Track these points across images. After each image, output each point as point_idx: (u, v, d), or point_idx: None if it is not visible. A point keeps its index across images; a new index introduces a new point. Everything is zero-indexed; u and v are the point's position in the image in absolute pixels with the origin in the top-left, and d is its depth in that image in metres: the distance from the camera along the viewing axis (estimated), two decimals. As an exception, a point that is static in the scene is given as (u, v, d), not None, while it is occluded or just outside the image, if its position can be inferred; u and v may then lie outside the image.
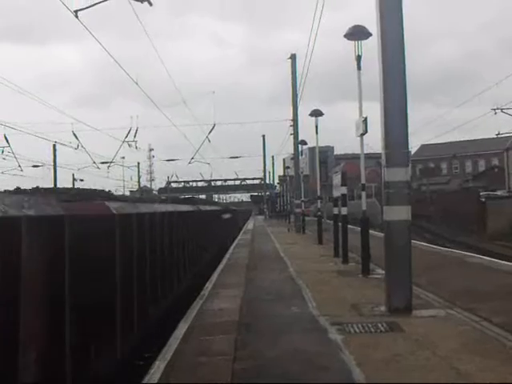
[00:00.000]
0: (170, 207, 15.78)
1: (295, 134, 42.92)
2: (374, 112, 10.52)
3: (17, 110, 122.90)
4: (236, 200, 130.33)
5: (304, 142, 40.20)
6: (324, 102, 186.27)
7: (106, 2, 18.92)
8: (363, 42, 14.99)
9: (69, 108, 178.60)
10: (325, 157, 38.26)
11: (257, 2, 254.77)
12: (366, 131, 14.75)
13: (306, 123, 29.94)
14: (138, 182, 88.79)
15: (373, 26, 11.04)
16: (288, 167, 60.93)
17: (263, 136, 77.85)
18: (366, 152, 16.50)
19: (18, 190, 10.72)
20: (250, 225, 61.97)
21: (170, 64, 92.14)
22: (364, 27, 15.07)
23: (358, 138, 15.48)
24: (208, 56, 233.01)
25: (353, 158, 64.57)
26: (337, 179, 19.49)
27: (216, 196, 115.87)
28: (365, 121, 14.66)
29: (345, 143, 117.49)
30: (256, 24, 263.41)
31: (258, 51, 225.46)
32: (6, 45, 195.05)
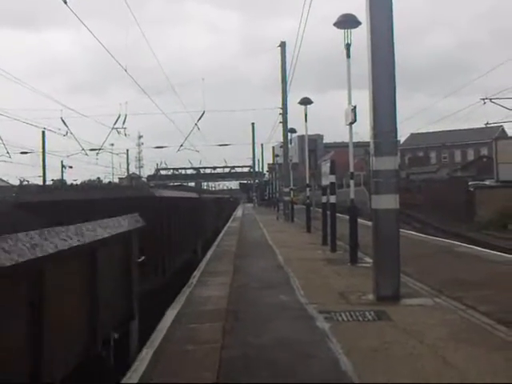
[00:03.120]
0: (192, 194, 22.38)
1: (284, 122, 42.94)
2: (365, 101, 10.49)
3: (6, 97, 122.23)
4: (225, 188, 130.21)
5: (293, 130, 40.15)
6: (317, 90, 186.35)
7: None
8: (358, 29, 14.91)
9: (63, 95, 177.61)
10: (314, 145, 38.23)
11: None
12: (355, 120, 14.74)
13: (296, 111, 29.94)
14: (127, 169, 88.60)
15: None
16: (277, 155, 60.89)
17: (252, 124, 78.06)
18: (355, 140, 16.50)
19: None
20: (238, 212, 62.01)
21: (164, 51, 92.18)
22: (353, 16, 15.04)
23: (348, 127, 15.48)
24: (202, 43, 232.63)
25: (342, 147, 64.65)
26: (326, 167, 19.53)
27: (205, 184, 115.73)
28: (354, 109, 14.65)
29: (336, 131, 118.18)
30: (252, 11, 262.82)
31: (253, 38, 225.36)
32: (2, 30, 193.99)
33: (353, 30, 15.09)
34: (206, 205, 26.35)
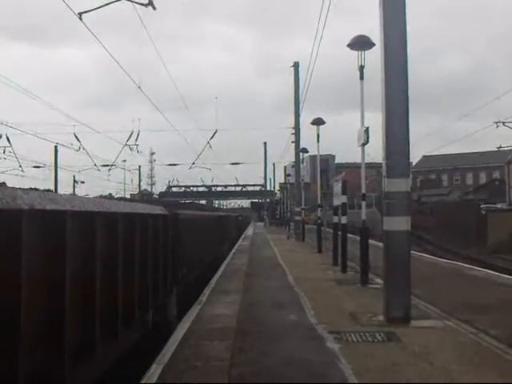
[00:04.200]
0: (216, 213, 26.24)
1: (297, 141, 42.95)
2: (379, 122, 10.51)
3: (20, 111, 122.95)
4: (236, 206, 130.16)
5: (305, 150, 40.20)
6: (331, 111, 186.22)
7: (112, 6, 18.92)
8: (373, 49, 14.89)
9: (77, 110, 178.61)
10: (326, 165, 38.25)
11: (269, 9, 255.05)
12: (367, 141, 14.75)
13: (309, 131, 29.97)
14: (139, 185, 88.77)
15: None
16: (289, 175, 60.97)
17: (265, 143, 78.02)
18: (367, 161, 16.50)
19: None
20: (249, 231, 61.98)
21: (179, 69, 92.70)
22: (367, 37, 15.06)
23: (360, 148, 15.48)
24: (217, 61, 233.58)
25: (354, 167, 64.63)
26: (337, 188, 19.51)
27: (216, 202, 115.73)
28: (366, 131, 14.66)
29: (348, 152, 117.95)
30: (267, 31, 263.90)
31: (268, 58, 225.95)
32: (17, 45, 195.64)
33: (368, 51, 15.11)
34: (188, 226, 16.33)
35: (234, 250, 30.96)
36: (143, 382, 6.83)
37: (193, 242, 17.14)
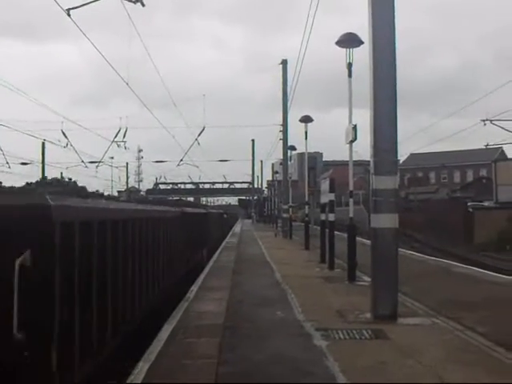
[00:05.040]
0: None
1: (285, 139, 42.92)
2: (367, 119, 10.51)
3: (7, 107, 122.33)
4: (224, 203, 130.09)
5: (293, 148, 40.21)
6: (320, 108, 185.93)
7: (102, 2, 18.88)
8: (361, 47, 14.84)
9: (65, 107, 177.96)
10: (313, 163, 38.22)
11: (260, 5, 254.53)
12: (355, 138, 14.75)
13: (297, 128, 29.96)
14: (127, 182, 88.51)
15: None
16: (277, 172, 60.88)
17: (252, 140, 77.94)
18: (354, 159, 16.49)
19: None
20: (237, 228, 61.97)
21: (168, 66, 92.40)
22: (355, 35, 15.05)
23: (348, 145, 15.48)
24: (207, 58, 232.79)
25: (342, 165, 64.60)
26: (325, 185, 19.51)
27: (204, 199, 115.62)
28: (354, 128, 14.65)
29: (336, 149, 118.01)
30: (257, 27, 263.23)
31: (257, 55, 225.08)
32: (5, 41, 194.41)
33: (357, 48, 15.09)
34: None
35: (221, 248, 30.90)
36: (128, 382, 6.80)
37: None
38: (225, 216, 57.29)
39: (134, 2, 18.33)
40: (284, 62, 42.65)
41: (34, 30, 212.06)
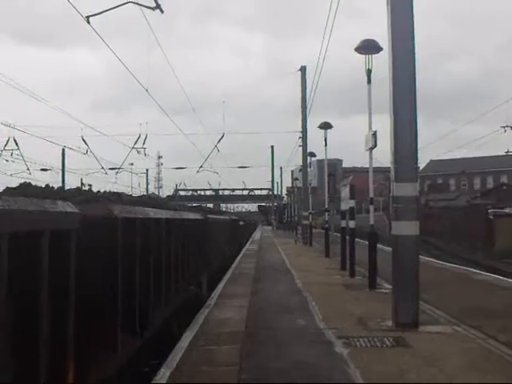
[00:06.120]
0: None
1: (304, 145, 42.94)
2: (387, 126, 10.51)
3: (28, 114, 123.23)
4: (243, 210, 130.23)
5: (313, 154, 40.17)
6: (340, 115, 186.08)
7: (121, 9, 18.99)
8: (381, 53, 14.82)
9: (86, 113, 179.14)
10: (333, 169, 38.20)
11: (280, 12, 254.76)
12: (375, 145, 14.75)
13: (317, 135, 29.91)
14: (146, 188, 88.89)
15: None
16: (296, 179, 60.92)
17: (272, 147, 77.98)
18: (374, 166, 16.47)
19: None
20: (257, 235, 61.99)
21: (189, 73, 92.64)
22: (375, 41, 15.06)
23: (367, 152, 15.48)
24: (227, 65, 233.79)
25: (361, 172, 64.47)
26: (345, 192, 19.48)
27: (223, 205, 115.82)
28: (374, 135, 14.66)
29: (355, 156, 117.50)
30: (278, 35, 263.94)
31: (278, 62, 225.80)
32: (28, 48, 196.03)
33: (377, 54, 15.09)
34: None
35: (241, 255, 30.87)
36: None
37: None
38: (241, 223, 47.52)
39: (153, 9, 18.45)
40: (302, 69, 42.70)
41: (55, 37, 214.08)
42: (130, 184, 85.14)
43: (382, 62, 11.49)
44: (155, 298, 9.96)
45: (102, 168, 57.76)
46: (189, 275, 14.10)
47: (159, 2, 18.20)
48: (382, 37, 11.40)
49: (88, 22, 18.04)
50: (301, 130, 43.62)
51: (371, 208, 16.31)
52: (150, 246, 9.67)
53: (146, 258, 9.35)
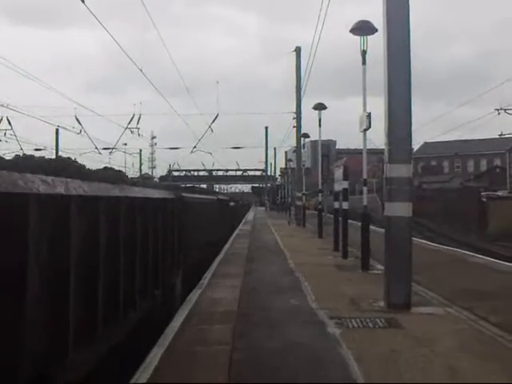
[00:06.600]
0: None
1: (298, 126, 42.88)
2: (381, 107, 10.49)
3: (22, 93, 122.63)
4: (237, 191, 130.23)
5: (306, 136, 40.12)
6: (335, 96, 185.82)
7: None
8: (376, 35, 14.74)
9: (81, 93, 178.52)
10: (327, 150, 38.06)
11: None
12: (369, 126, 14.75)
13: (312, 116, 29.85)
14: (140, 169, 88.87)
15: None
16: (290, 160, 60.86)
17: (266, 127, 77.97)
18: (368, 147, 16.46)
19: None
20: (250, 216, 62.03)
21: (184, 53, 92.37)
22: (369, 22, 15.01)
23: (362, 133, 15.47)
24: (222, 46, 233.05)
25: (355, 153, 64.52)
26: (338, 173, 19.48)
27: (217, 186, 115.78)
28: (368, 116, 14.65)
29: (349, 137, 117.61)
30: (273, 15, 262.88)
31: (273, 42, 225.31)
32: (21, 28, 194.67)
33: (372, 36, 15.04)
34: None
35: (234, 235, 30.89)
36: (142, 366, 6.85)
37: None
38: (230, 204, 41.41)
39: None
40: (297, 50, 42.54)
41: (50, 16, 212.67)
42: (124, 164, 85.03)
43: (378, 43, 11.42)
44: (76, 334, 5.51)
45: (96, 148, 57.63)
46: (153, 278, 9.37)
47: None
48: (378, 18, 11.35)
49: (83, 1, 17.89)
50: (295, 110, 43.54)
51: (365, 189, 16.31)
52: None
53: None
